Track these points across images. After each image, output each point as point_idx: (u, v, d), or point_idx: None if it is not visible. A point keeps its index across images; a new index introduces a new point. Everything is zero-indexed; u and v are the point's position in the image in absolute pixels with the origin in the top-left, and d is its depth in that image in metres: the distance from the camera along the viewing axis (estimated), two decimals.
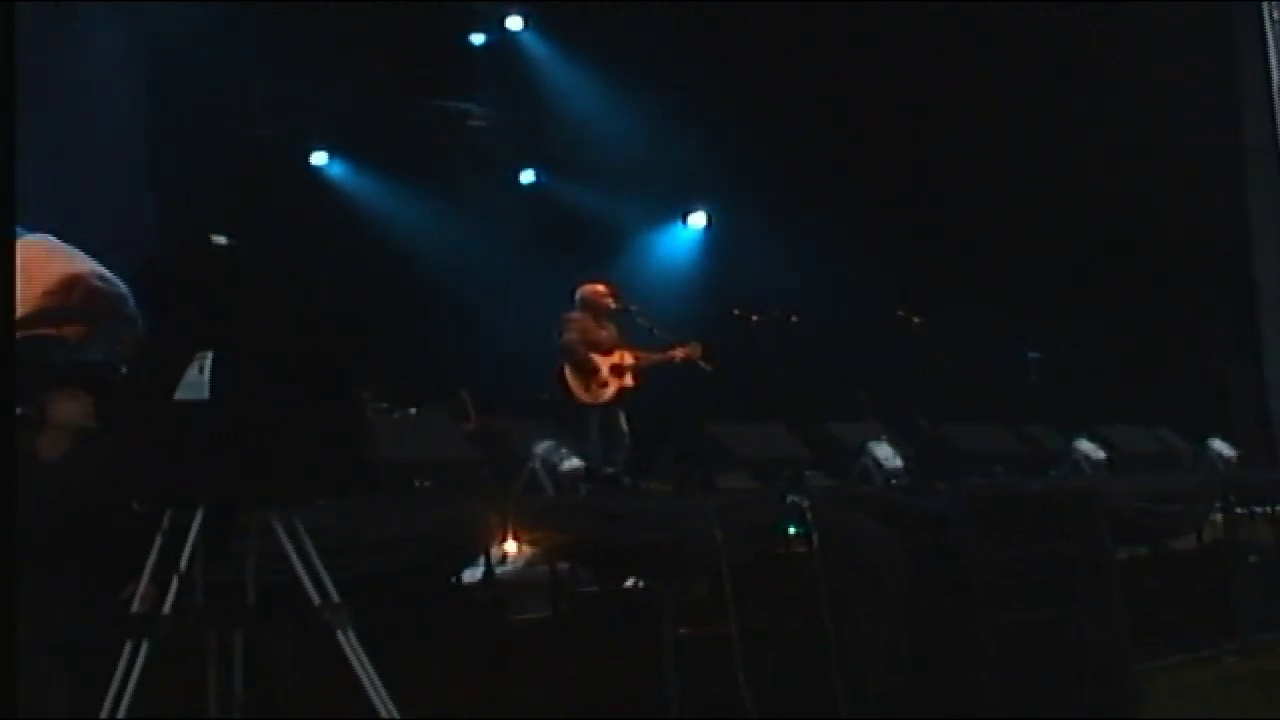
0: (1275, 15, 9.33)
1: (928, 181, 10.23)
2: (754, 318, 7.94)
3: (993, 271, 10.36)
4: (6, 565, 3.01)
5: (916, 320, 8.07)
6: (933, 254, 10.50)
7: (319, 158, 10.49)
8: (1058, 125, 9.63)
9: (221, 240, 3.93)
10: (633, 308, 8.21)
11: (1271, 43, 9.36)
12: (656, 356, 8.16)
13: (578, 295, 8.21)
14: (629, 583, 5.93)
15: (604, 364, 7.98)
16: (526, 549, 5.14)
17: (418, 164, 10.58)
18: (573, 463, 5.95)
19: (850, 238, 10.44)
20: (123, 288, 4.15)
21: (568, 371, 7.91)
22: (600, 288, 8.20)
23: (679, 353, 8.23)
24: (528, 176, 11.43)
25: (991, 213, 10.19)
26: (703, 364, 8.08)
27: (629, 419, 8.17)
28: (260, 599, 3.72)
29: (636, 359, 8.20)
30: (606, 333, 8.15)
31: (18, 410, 3.45)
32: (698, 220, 11.83)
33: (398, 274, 10.32)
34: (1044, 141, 9.60)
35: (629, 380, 8.10)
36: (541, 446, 5.97)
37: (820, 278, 10.21)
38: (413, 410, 7.89)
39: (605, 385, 8.01)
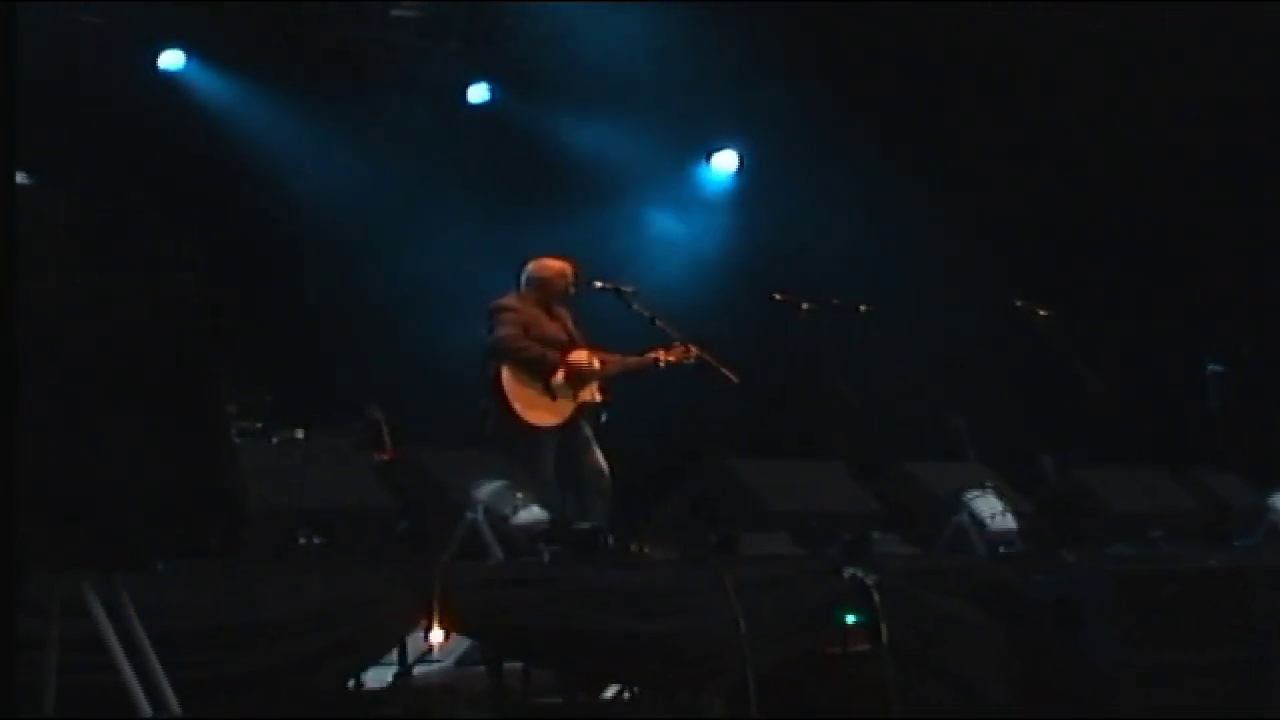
0: None
1: (1063, 135, 10.73)
2: (803, 306, 8.08)
3: (1154, 255, 10.58)
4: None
5: (1043, 314, 8.18)
6: (1067, 229, 10.66)
7: (171, 58, 10.43)
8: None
9: (21, 179, 3.93)
10: (626, 287, 8.26)
11: None
12: (633, 360, 8.36)
13: (523, 274, 8.29)
14: (609, 692, 5.99)
15: (557, 369, 8.04)
16: (459, 640, 5.29)
17: (315, 72, 10.59)
18: (531, 513, 6.06)
19: (945, 200, 10.62)
20: None
21: (506, 379, 7.95)
22: (554, 263, 8.31)
23: (663, 355, 8.29)
24: (479, 93, 11.41)
25: (1148, 179, 10.46)
26: (723, 371, 8.11)
27: (614, 452, 8.28)
28: (62, 708, 3.70)
29: (604, 363, 8.28)
30: (559, 324, 8.23)
31: None
32: (725, 162, 11.90)
33: (283, 233, 10.43)
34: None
35: (593, 393, 8.18)
36: (486, 489, 6.04)
37: (898, 252, 10.37)
38: (299, 433, 7.98)
39: (558, 399, 8.04)
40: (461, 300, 9.34)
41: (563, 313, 8.31)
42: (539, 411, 7.97)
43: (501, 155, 11.13)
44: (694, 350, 8.21)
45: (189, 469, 3.74)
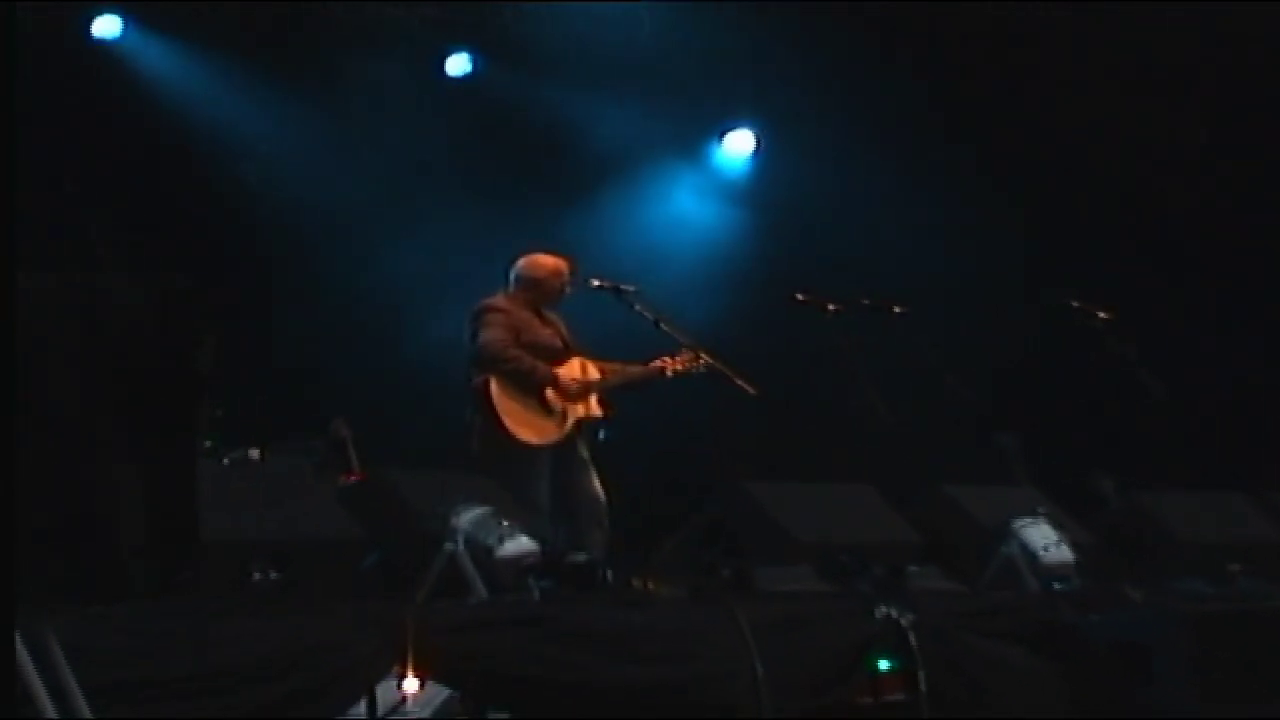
0: None
1: (1135, 110, 10.75)
2: (830, 307, 8.04)
3: (1226, 254, 10.63)
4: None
5: (1103, 317, 8.13)
6: (1128, 221, 10.67)
7: (105, 25, 10.38)
8: None
9: None
10: (627, 286, 8.27)
11: None
12: (636, 370, 8.37)
13: (513, 273, 8.31)
14: None
15: (549, 384, 8.06)
16: (436, 690, 5.20)
17: (270, 40, 10.58)
18: (519, 544, 6.11)
19: (990, 187, 10.67)
20: None
21: (494, 390, 7.95)
22: (549, 261, 8.33)
23: (670, 364, 8.32)
24: (458, 64, 11.40)
25: (1235, 172, 10.61)
26: (739, 381, 8.11)
27: (614, 474, 8.27)
28: None
29: (602, 372, 8.24)
30: (552, 330, 8.25)
31: None
32: (740, 143, 11.89)
33: (236, 222, 10.43)
34: None
35: (592, 407, 8.19)
36: (467, 517, 6.08)
37: (937, 246, 10.34)
38: (254, 453, 8.01)
39: (552, 414, 8.04)
40: (441, 301, 9.32)
41: (556, 317, 8.32)
42: (531, 428, 7.96)
43: (485, 136, 11.10)
44: (704, 357, 8.20)
45: (157, 495, 3.96)
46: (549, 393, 7.99)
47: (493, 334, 8.00)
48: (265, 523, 5.87)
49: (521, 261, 8.31)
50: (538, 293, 8.24)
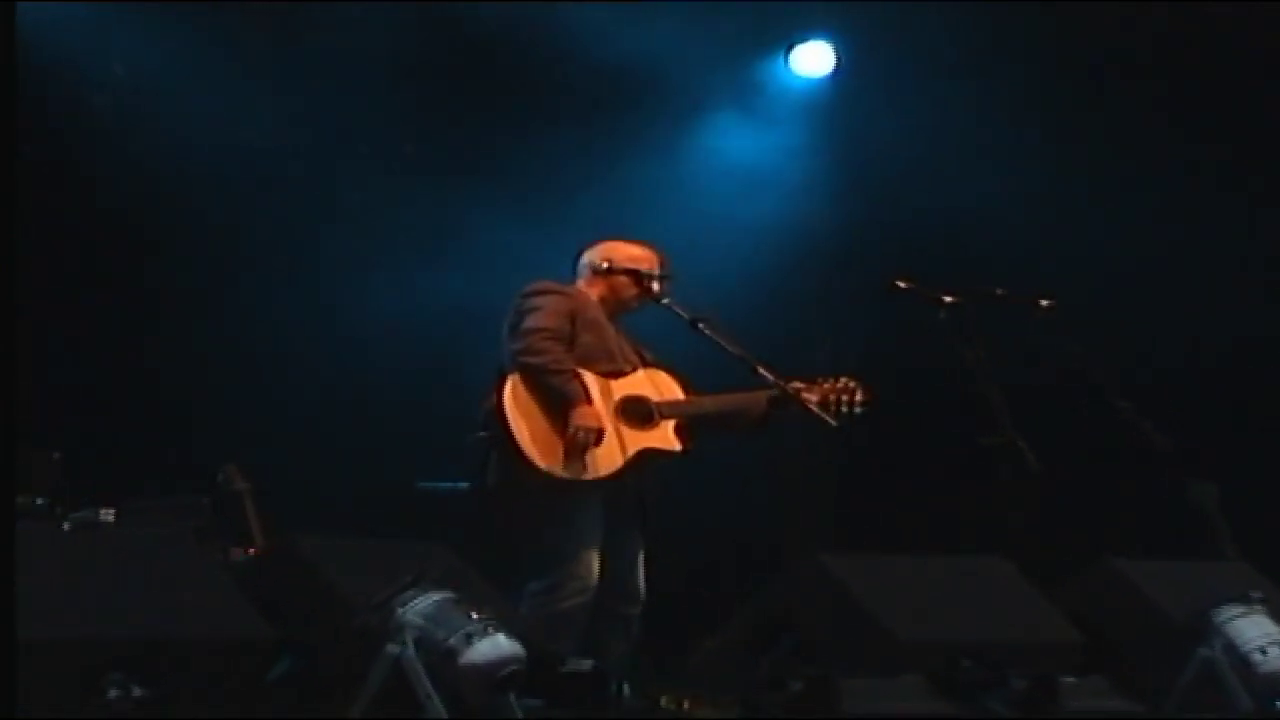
0: None
1: None
2: (945, 299, 8.10)
3: None
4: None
5: None
6: None
7: None
8: None
9: None
10: (701, 321, 8.18)
11: None
12: (753, 394, 8.32)
13: (585, 260, 8.49)
14: None
15: (612, 403, 8.15)
16: None
17: None
18: (494, 645, 6.14)
19: (1171, 128, 10.75)
20: None
21: (512, 397, 8.01)
22: (636, 250, 8.51)
23: (814, 394, 8.22)
24: None
25: None
26: (812, 408, 8.06)
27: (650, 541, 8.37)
28: None
29: (694, 402, 8.31)
30: (619, 341, 8.40)
31: None
32: (813, 59, 11.97)
33: (82, 190, 10.40)
34: None
35: (666, 438, 8.25)
36: (420, 605, 6.12)
37: (1103, 214, 10.44)
38: (108, 514, 7.97)
39: (612, 449, 8.08)
40: (388, 299, 9.47)
41: (642, 347, 8.40)
42: (564, 465, 7.94)
43: (460, 54, 11.18)
44: (855, 388, 8.22)
45: None
46: (593, 397, 8.03)
47: (540, 319, 8.08)
48: (127, 615, 5.87)
49: (597, 249, 8.45)
50: (611, 291, 8.39)
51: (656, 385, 8.21)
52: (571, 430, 7.94)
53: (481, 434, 7.98)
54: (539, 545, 7.69)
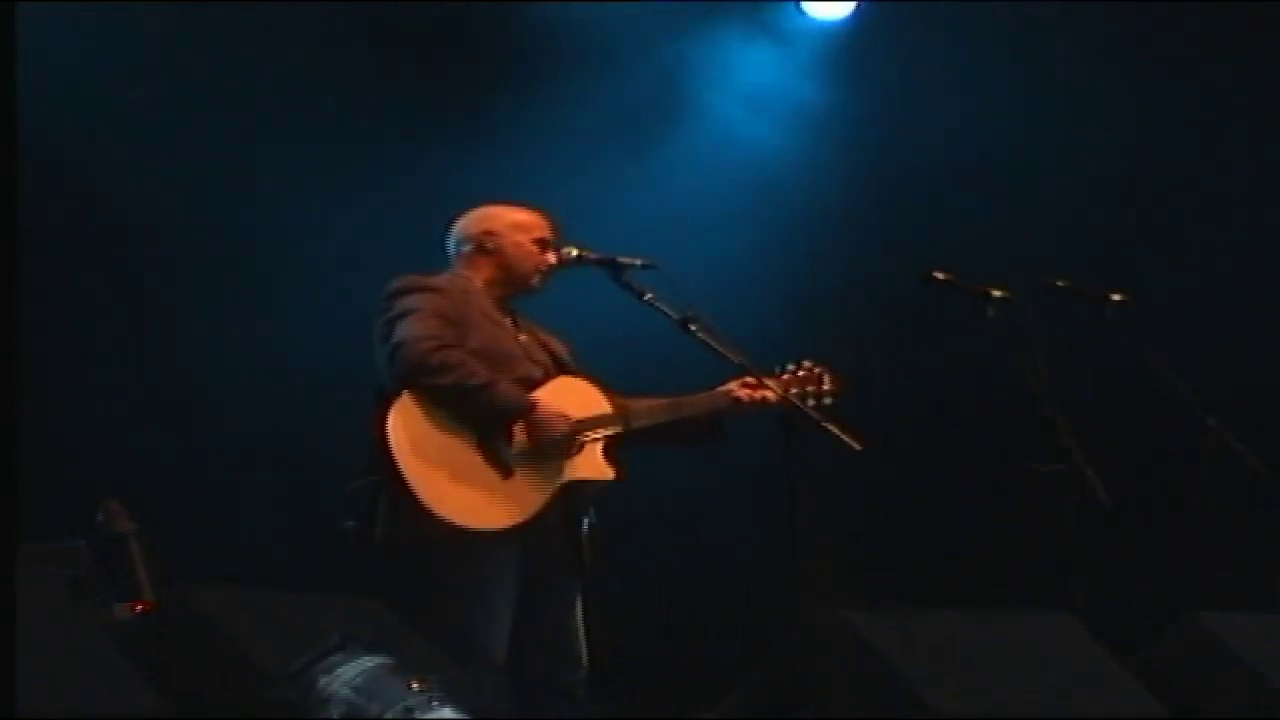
0: None
1: None
2: (993, 294, 8.10)
3: None
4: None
5: None
6: None
7: None
8: None
9: None
10: (629, 260, 8.22)
11: None
12: (684, 404, 8.35)
13: (460, 234, 8.31)
14: None
15: (520, 416, 8.03)
16: None
17: None
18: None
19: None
20: None
21: (400, 427, 7.91)
22: (521, 215, 8.36)
23: (748, 390, 8.29)
24: None
25: None
26: (829, 429, 8.08)
27: (608, 588, 8.35)
28: None
29: (618, 408, 8.30)
30: (526, 335, 8.25)
31: None
32: (827, 4, 12.10)
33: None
34: None
35: (594, 464, 8.12)
36: (348, 673, 6.22)
37: (1184, 183, 10.84)
38: None
39: (515, 475, 7.98)
40: (311, 304, 9.94)
41: (545, 332, 8.32)
42: (474, 500, 7.86)
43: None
44: (825, 376, 8.26)
45: None
46: (517, 433, 7.89)
47: (418, 327, 7.89)
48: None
49: (473, 219, 8.27)
50: (502, 269, 8.21)
51: (577, 397, 8.13)
52: (544, 427, 7.97)
53: (370, 478, 7.88)
54: (440, 616, 7.53)
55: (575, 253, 8.29)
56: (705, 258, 9.61)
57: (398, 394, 7.94)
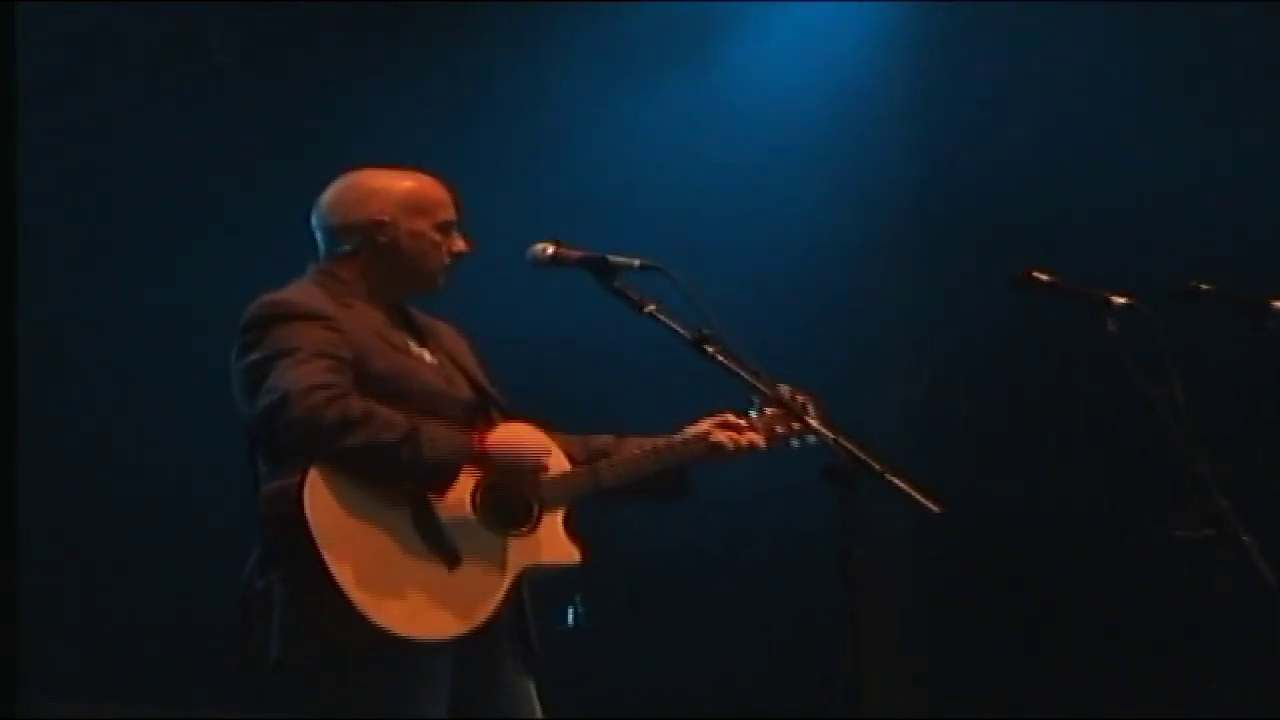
0: None
1: None
2: (1115, 300, 7.39)
3: None
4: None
5: None
6: None
7: None
8: None
9: None
10: (625, 261, 7.47)
11: None
12: (656, 449, 7.87)
13: (329, 220, 7.47)
14: None
15: (461, 466, 7.29)
16: None
17: None
18: None
19: None
20: None
21: (319, 505, 7.19)
22: (416, 190, 7.72)
23: (732, 435, 7.78)
24: None
25: None
26: (894, 482, 7.13)
27: (594, 683, 8.72)
28: None
29: (573, 459, 7.74)
30: (436, 355, 7.53)
31: None
32: None
33: None
34: None
35: (557, 543, 7.50)
36: None
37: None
38: None
39: (464, 564, 7.24)
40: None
41: (443, 327, 7.47)
42: (420, 602, 7.13)
43: None
44: (813, 419, 7.45)
45: None
46: (456, 498, 7.18)
47: (303, 375, 6.96)
48: None
49: (347, 201, 7.43)
50: (396, 270, 7.38)
51: (540, 436, 7.42)
52: (511, 456, 7.28)
53: (267, 579, 6.97)
54: None
55: (550, 250, 7.37)
56: (743, 263, 9.82)
57: (304, 468, 7.04)
